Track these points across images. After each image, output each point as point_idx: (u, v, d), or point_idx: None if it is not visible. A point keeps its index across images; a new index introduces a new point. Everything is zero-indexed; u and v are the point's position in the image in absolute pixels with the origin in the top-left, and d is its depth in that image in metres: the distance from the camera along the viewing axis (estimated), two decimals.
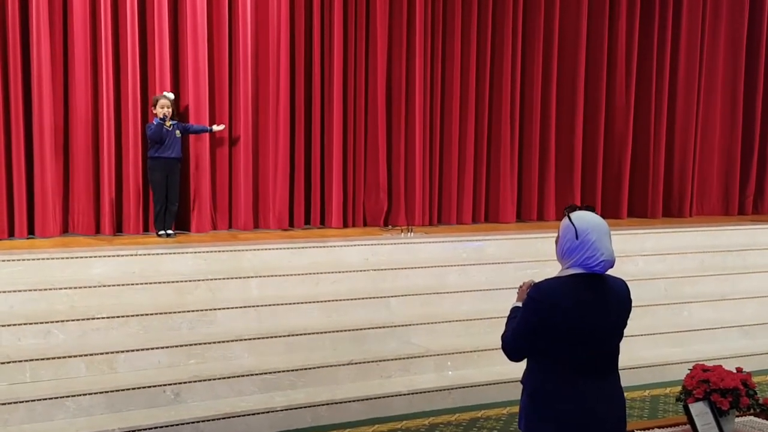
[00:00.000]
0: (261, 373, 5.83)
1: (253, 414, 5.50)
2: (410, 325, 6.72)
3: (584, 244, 2.90)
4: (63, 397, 5.25)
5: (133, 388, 5.44)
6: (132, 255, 6.78)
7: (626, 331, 3.05)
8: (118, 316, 6.03)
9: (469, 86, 9.47)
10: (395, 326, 6.67)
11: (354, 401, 5.82)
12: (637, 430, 4.49)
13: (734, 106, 11.09)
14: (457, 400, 6.13)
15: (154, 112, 7.78)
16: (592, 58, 10.14)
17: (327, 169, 8.90)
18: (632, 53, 10.33)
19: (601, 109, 10.21)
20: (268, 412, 5.55)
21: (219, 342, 6.05)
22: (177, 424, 5.26)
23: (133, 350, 5.78)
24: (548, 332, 2.88)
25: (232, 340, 6.10)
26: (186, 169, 8.24)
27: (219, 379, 5.70)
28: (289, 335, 6.27)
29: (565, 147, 10.11)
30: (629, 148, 10.40)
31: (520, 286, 3.18)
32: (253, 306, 6.52)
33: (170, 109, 7.80)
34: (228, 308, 6.42)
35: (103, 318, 5.98)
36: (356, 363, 6.16)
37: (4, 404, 5.11)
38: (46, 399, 5.21)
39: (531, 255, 7.96)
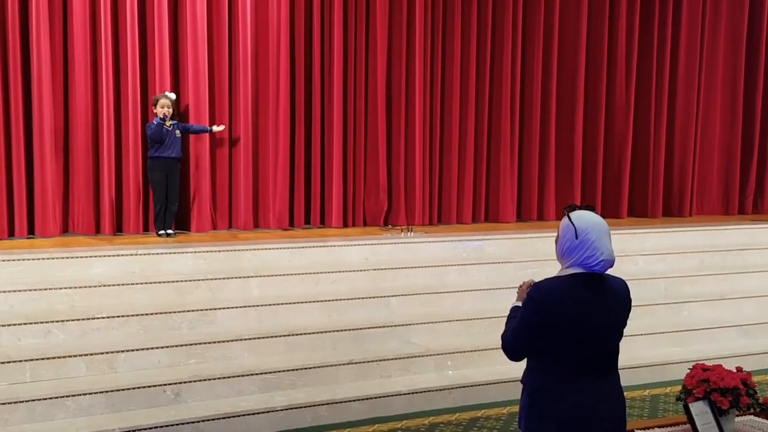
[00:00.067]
0: (261, 373, 5.83)
1: (254, 414, 5.50)
2: (410, 324, 6.73)
3: (584, 244, 2.90)
4: (63, 396, 5.25)
5: (133, 388, 5.44)
6: (132, 255, 6.78)
7: (626, 331, 3.06)
8: (118, 316, 6.03)
9: (469, 86, 9.47)
10: (395, 326, 6.67)
11: (354, 401, 5.82)
12: (637, 429, 4.49)
13: (734, 104, 11.09)
14: (457, 399, 6.13)
15: (155, 111, 7.78)
16: (592, 57, 10.15)
17: (327, 168, 8.90)
18: (632, 52, 10.34)
19: (601, 108, 10.22)
20: (268, 411, 5.55)
21: (219, 342, 6.05)
22: (177, 424, 5.26)
23: (133, 350, 5.78)
24: (548, 332, 2.88)
25: (232, 340, 6.11)
26: (186, 169, 8.24)
27: (219, 378, 5.70)
28: (289, 335, 6.27)
29: (565, 146, 10.11)
30: (629, 147, 10.41)
31: (520, 286, 3.18)
32: (253, 306, 6.52)
33: (170, 109, 7.80)
34: (228, 308, 6.42)
35: (103, 318, 5.99)
36: (356, 363, 6.16)
37: (4, 404, 5.11)
38: (46, 399, 5.21)
39: (531, 254, 7.97)
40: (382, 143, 9.09)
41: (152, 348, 5.84)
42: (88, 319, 5.95)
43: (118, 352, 5.74)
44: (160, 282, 6.54)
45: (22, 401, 5.17)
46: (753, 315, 7.89)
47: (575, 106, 10.06)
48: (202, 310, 6.33)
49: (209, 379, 5.67)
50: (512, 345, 3.00)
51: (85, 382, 5.47)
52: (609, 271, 2.97)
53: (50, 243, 7.37)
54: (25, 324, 5.80)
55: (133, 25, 7.92)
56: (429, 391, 6.07)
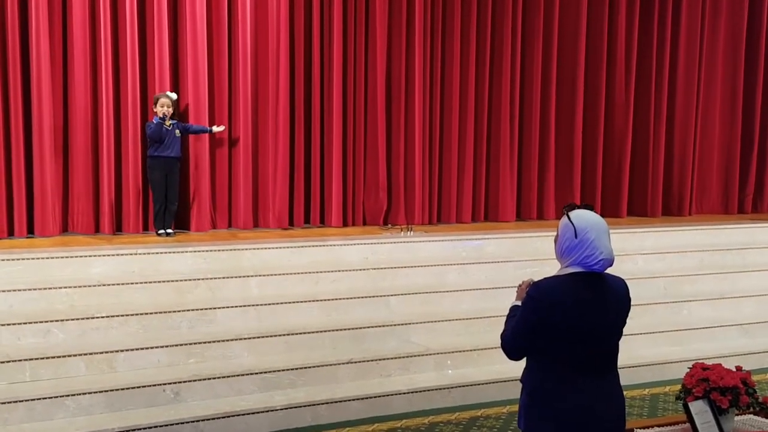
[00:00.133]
0: (261, 372, 5.83)
1: (253, 413, 5.50)
2: (410, 323, 6.72)
3: (583, 243, 2.90)
4: (62, 396, 5.25)
5: (133, 388, 5.44)
6: (132, 254, 6.78)
7: (625, 330, 3.06)
8: (117, 316, 6.03)
9: (468, 85, 9.47)
10: (395, 325, 6.67)
11: (354, 400, 5.82)
12: (636, 428, 4.48)
13: (734, 103, 11.09)
14: (456, 398, 6.14)
15: (155, 110, 7.77)
16: (592, 56, 10.14)
17: (327, 168, 8.90)
18: (632, 51, 10.34)
19: (600, 107, 10.22)
20: (267, 411, 5.55)
21: (219, 341, 6.05)
22: (177, 423, 5.26)
23: (132, 349, 5.78)
24: (547, 331, 2.88)
25: (232, 339, 6.11)
26: (186, 169, 8.24)
27: (219, 378, 5.70)
28: (288, 334, 6.27)
29: (565, 145, 10.11)
30: (629, 146, 10.41)
31: (520, 285, 3.18)
32: (253, 305, 6.52)
33: (171, 109, 7.80)
34: (228, 307, 6.42)
35: (102, 317, 5.98)
36: (356, 362, 6.16)
37: (4, 403, 5.11)
38: (45, 398, 5.21)
39: (530, 254, 7.96)
40: (381, 142, 9.09)
41: (152, 347, 5.84)
42: (88, 318, 5.95)
43: (117, 351, 5.74)
44: (159, 281, 6.54)
45: (22, 401, 5.17)
46: (752, 314, 7.89)
47: (575, 105, 10.06)
48: (201, 309, 6.33)
49: (209, 379, 5.67)
50: (512, 344, 3.00)
51: (84, 382, 5.47)
52: (608, 270, 2.98)
53: (50, 242, 7.36)
54: (24, 323, 5.80)
55: (133, 24, 7.92)
56: (428, 390, 6.07)
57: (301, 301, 6.67)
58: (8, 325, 5.76)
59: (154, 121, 7.73)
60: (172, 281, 6.56)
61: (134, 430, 5.16)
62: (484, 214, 9.79)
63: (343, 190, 8.96)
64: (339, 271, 7.20)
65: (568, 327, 2.87)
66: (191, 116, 8.24)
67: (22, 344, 5.72)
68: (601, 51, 10.16)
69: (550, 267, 3.16)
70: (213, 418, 5.38)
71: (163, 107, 7.73)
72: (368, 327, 6.58)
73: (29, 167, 7.67)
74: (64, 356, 5.57)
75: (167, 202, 7.86)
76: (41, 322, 5.83)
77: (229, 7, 8.37)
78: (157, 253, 6.87)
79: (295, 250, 7.34)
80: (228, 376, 5.73)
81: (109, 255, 6.71)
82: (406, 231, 8.54)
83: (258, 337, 6.18)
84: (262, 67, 8.56)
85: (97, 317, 5.97)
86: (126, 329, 6.02)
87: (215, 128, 8.25)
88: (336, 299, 6.81)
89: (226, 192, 8.54)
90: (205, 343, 6.01)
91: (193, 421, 5.32)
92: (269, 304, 6.55)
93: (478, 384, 6.21)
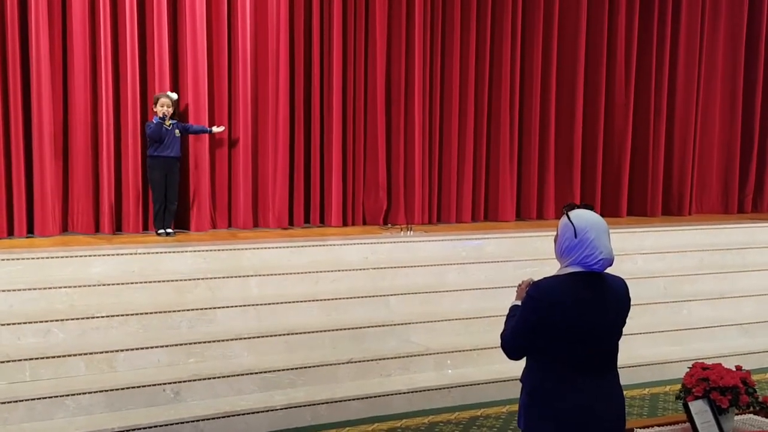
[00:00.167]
0: (260, 372, 5.83)
1: (253, 413, 5.50)
2: (410, 323, 6.73)
3: (583, 243, 2.90)
4: (62, 396, 5.25)
5: (133, 387, 5.44)
6: (131, 254, 6.78)
7: (625, 330, 3.06)
8: (117, 315, 6.03)
9: (468, 85, 9.47)
10: (395, 325, 6.67)
11: (353, 400, 5.82)
12: (636, 428, 4.48)
13: (734, 103, 11.10)
14: (456, 398, 6.14)
15: (155, 110, 7.77)
16: (592, 55, 10.14)
17: (326, 167, 8.90)
18: (632, 50, 10.34)
19: (600, 106, 10.22)
20: (267, 410, 5.55)
21: (218, 341, 6.05)
22: (176, 423, 5.26)
23: (132, 349, 5.78)
24: (547, 331, 2.88)
25: (232, 339, 6.11)
26: (185, 168, 8.24)
27: (218, 377, 5.70)
28: (288, 334, 6.27)
29: (565, 145, 10.11)
30: (628, 146, 10.41)
31: (519, 285, 3.18)
32: (253, 305, 6.52)
33: (170, 109, 7.80)
34: (227, 307, 6.42)
35: (102, 317, 5.98)
36: (356, 362, 6.16)
37: (4, 403, 5.11)
38: (45, 398, 5.21)
39: (530, 253, 7.96)
40: (381, 142, 9.09)
41: (152, 347, 5.84)
42: (88, 318, 5.95)
43: (117, 351, 5.74)
44: (159, 281, 6.54)
45: (22, 400, 5.17)
46: (752, 314, 7.89)
47: (574, 104, 10.06)
48: (201, 309, 6.33)
49: (209, 378, 5.67)
50: (511, 344, 3.00)
51: (84, 381, 5.47)
52: (608, 270, 2.98)
53: (50, 242, 7.37)
54: (24, 323, 5.80)
55: (133, 24, 7.92)
56: (428, 390, 6.07)
57: (301, 301, 6.67)
58: (8, 324, 5.76)
59: (154, 121, 7.73)
60: (172, 281, 6.56)
61: (134, 429, 5.16)
62: (483, 213, 9.80)
63: (343, 189, 8.96)
64: (339, 270, 7.20)
65: (568, 326, 2.87)
66: (191, 116, 8.24)
67: (22, 344, 5.72)
68: (600, 51, 10.16)
69: (549, 267, 3.16)
70: (213, 418, 5.39)
71: (163, 107, 7.73)
72: (368, 327, 6.58)
73: (29, 167, 7.67)
74: (64, 356, 5.57)
75: (167, 201, 7.86)
76: (41, 321, 5.83)
77: (228, 7, 8.37)
78: (156, 252, 6.87)
79: (295, 249, 7.34)
80: (228, 376, 5.73)
81: (109, 255, 6.71)
82: (405, 231, 8.54)
83: (258, 337, 6.18)
84: (261, 67, 8.56)
85: (97, 317, 5.97)
86: (126, 329, 6.02)
87: (215, 129, 8.25)
88: (336, 299, 6.81)
89: (226, 192, 8.54)
90: (205, 342, 6.01)
91: (193, 421, 5.32)
92: (269, 304, 6.55)
93: (478, 384, 6.21)
